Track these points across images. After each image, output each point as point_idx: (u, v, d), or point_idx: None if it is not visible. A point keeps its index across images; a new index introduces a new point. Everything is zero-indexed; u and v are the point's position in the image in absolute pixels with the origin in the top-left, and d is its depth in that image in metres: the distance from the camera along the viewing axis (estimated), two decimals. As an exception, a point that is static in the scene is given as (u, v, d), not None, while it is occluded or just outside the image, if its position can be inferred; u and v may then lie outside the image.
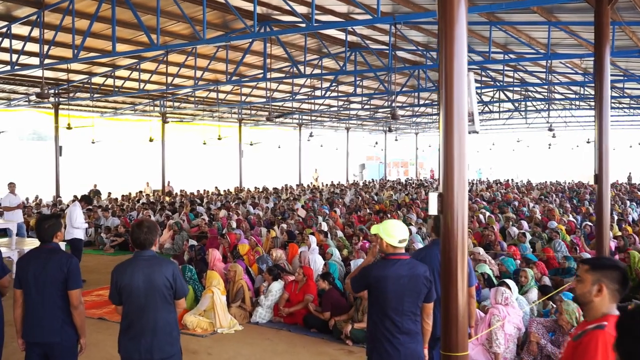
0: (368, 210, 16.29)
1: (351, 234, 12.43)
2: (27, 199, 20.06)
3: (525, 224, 12.93)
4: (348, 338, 6.74)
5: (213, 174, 34.90)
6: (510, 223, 13.10)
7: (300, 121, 33.97)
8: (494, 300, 5.97)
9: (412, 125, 40.33)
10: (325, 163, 41.43)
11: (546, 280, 7.87)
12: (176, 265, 4.03)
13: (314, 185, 32.44)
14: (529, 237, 10.99)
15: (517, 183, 34.45)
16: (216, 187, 27.20)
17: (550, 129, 29.07)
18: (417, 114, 33.35)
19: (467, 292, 4.02)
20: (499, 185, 32.15)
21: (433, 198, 3.99)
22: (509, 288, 6.31)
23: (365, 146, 47.67)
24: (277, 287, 7.78)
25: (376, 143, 41.13)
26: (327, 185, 32.02)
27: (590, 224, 13.26)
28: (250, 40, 15.54)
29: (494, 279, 7.55)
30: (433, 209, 3.98)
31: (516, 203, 18.73)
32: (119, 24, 12.66)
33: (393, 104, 27.75)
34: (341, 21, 13.24)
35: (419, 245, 9.89)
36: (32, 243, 11.54)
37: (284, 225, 12.77)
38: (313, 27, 10.50)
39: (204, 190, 25.52)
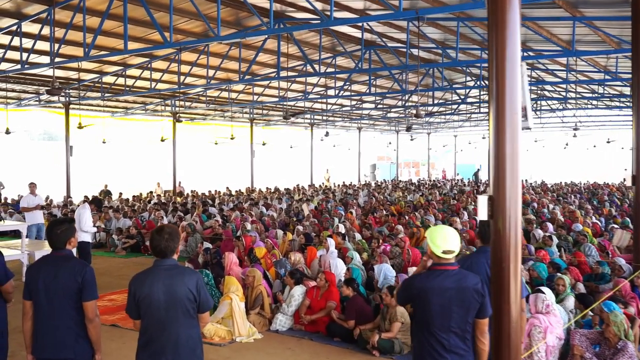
0: (384, 212, 15.88)
1: (369, 236, 12.06)
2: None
3: (550, 226, 12.50)
4: (375, 349, 6.35)
5: (224, 174, 34.63)
6: (535, 225, 12.65)
7: (312, 121, 33.63)
8: (534, 309, 5.57)
9: (425, 125, 39.87)
10: (337, 163, 41.04)
11: (581, 287, 7.46)
12: (200, 275, 3.67)
13: (325, 186, 32.08)
14: (555, 240, 10.55)
15: (530, 184, 33.90)
16: (227, 188, 26.91)
17: (575, 128, 28.42)
18: (429, 113, 32.88)
19: (520, 305, 3.66)
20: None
21: (482, 201, 3.61)
22: (545, 296, 5.91)
23: (376, 146, 47.25)
24: (299, 291, 7.41)
25: (390, 143, 40.69)
26: (339, 185, 31.64)
27: (616, 226, 12.81)
28: (264, 38, 15.28)
29: (526, 286, 7.14)
30: (482, 214, 3.61)
31: (535, 204, 18.25)
32: (130, 21, 12.40)
33: (415, 103, 27.42)
34: (361, 17, 12.83)
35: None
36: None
37: (300, 227, 12.40)
38: (331, 22, 10.17)
39: (215, 190, 25.23)
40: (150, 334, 3.53)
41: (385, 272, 7.81)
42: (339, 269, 8.21)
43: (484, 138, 37.43)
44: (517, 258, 3.55)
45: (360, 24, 14.29)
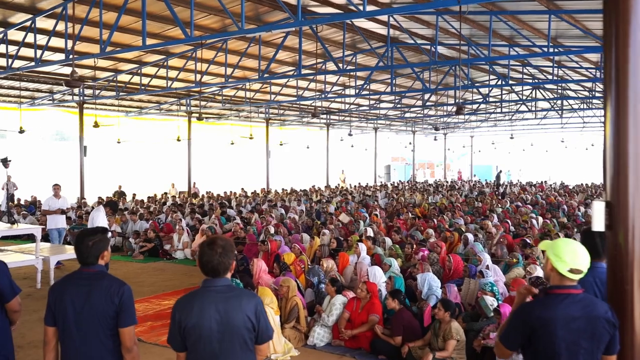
0: (410, 215, 15.20)
1: (399, 240, 11.44)
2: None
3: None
4: (428, 369, 5.74)
5: (237, 175, 34.13)
6: (575, 230, 11.95)
7: (328, 121, 33.04)
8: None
9: (441, 125, 39.16)
10: (351, 164, 40.37)
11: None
12: (260, 299, 3.05)
13: (342, 187, 31.45)
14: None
15: (551, 185, 33.10)
16: (242, 189, 26.36)
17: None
18: (446, 114, 32.15)
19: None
20: (533, 187, 30.83)
21: (599, 209, 2.98)
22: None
23: (390, 147, 46.60)
24: (340, 300, 6.79)
25: (410, 143, 39.93)
26: (355, 186, 31.00)
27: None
28: (285, 34, 14.72)
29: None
30: (599, 224, 2.97)
31: (565, 207, 17.49)
32: (147, 17, 11.90)
33: (434, 102, 26.70)
34: (395, 7, 12.17)
35: (485, 255, 8.83)
36: (71, 250, 10.70)
37: (327, 231, 11.78)
38: (365, 14, 9.53)
39: (231, 191, 24.69)
40: (199, 371, 2.91)
41: (430, 281, 7.17)
42: (378, 277, 7.56)
43: (512, 138, 36.51)
44: (643, 278, 2.92)
45: (386, 20, 13.76)
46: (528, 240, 10.36)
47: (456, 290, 6.87)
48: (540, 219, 14.32)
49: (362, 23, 14.80)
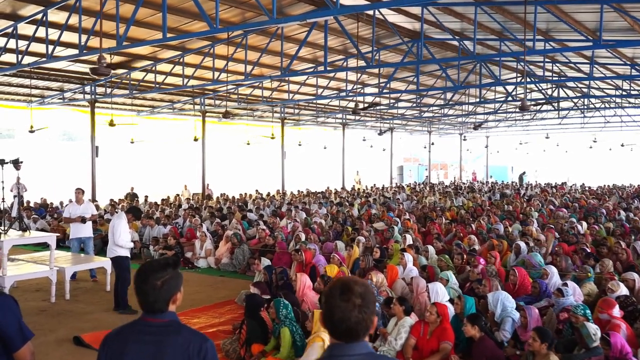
0: (444, 220, 14.28)
1: (441, 248, 10.55)
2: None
3: (645, 237, 10.89)
4: (524, 411, 4.86)
5: (251, 176, 33.26)
6: (633, 237, 11.03)
7: (344, 121, 32.15)
8: None
9: (457, 125, 38.23)
10: (365, 165, 39.43)
11: None
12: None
13: (358, 188, 30.54)
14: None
15: (571, 186, 32.11)
16: (257, 190, 25.46)
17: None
18: (464, 113, 31.21)
19: None
20: (553, 188, 29.81)
21: None
22: None
23: (403, 148, 45.72)
24: (410, 322, 5.91)
25: (432, 144, 38.82)
26: (371, 188, 30.06)
27: None
28: (309, 27, 13.91)
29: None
30: None
31: (604, 210, 16.53)
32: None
33: (455, 102, 25.70)
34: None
35: (552, 268, 7.94)
36: (99, 260, 9.89)
37: (362, 238, 10.89)
38: (406, 2, 8.63)
39: (247, 194, 23.80)
40: None
41: (504, 301, 6.25)
42: (440, 296, 6.61)
43: (547, 138, 35.43)
44: None
45: (415, 13, 13.00)
46: (587, 249, 9.47)
47: (537, 313, 5.96)
48: (584, 224, 13.41)
49: (390, 16, 13.95)
